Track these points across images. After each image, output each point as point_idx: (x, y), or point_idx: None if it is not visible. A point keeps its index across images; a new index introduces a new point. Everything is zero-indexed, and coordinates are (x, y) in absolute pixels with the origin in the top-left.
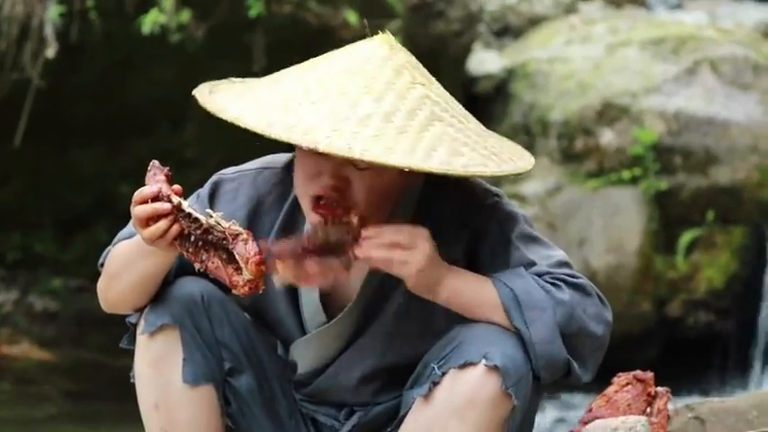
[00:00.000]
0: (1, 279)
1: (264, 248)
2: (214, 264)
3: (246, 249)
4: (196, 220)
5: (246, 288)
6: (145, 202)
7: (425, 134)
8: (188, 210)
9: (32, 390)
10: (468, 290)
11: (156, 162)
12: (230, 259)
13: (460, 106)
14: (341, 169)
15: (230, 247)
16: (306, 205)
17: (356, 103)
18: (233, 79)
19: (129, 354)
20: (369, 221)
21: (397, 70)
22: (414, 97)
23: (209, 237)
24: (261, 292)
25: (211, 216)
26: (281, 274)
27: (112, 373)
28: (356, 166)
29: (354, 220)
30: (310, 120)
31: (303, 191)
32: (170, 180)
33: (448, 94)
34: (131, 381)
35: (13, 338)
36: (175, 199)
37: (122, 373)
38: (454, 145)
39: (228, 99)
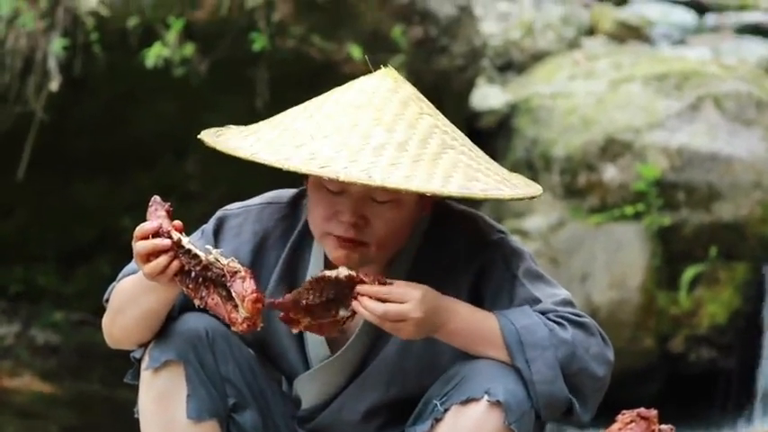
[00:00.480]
0: (3, 312)
1: (279, 305)
2: (213, 300)
3: (244, 287)
4: (195, 256)
5: (245, 325)
6: (146, 237)
7: (440, 161)
8: (188, 246)
9: (33, 423)
10: (469, 328)
11: (157, 197)
12: (229, 296)
13: (465, 136)
14: (360, 206)
15: (228, 284)
16: (328, 243)
17: (369, 135)
18: (232, 126)
19: (132, 388)
20: (381, 257)
21: (403, 102)
22: (424, 127)
23: (209, 273)
24: (259, 329)
25: (211, 252)
26: (293, 326)
27: (114, 407)
28: (375, 199)
29: (344, 276)
30: (325, 152)
31: (322, 230)
32: (171, 215)
33: (452, 124)
34: (135, 416)
35: (15, 371)
36: (175, 235)
37: (124, 407)
38: (469, 171)
39: (239, 140)
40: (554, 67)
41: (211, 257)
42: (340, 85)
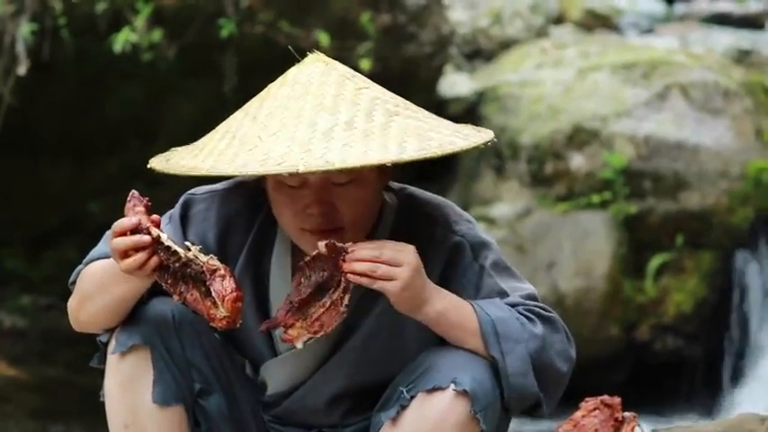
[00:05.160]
0: None
1: (274, 323)
2: (192, 296)
3: (223, 286)
4: (175, 253)
5: (224, 322)
6: (124, 233)
7: (390, 130)
8: (167, 243)
9: (0, 407)
10: (450, 311)
11: (135, 192)
12: (208, 292)
13: (407, 101)
14: (323, 194)
15: (207, 282)
16: (305, 239)
17: (314, 122)
18: (178, 148)
19: (97, 372)
20: (357, 238)
21: (339, 82)
22: (365, 101)
23: (188, 270)
24: (238, 326)
25: (190, 249)
26: (299, 338)
27: (80, 392)
28: (336, 183)
29: (325, 250)
30: (278, 150)
31: (295, 227)
32: (149, 210)
33: (393, 93)
34: (101, 400)
35: None
36: (155, 231)
37: (90, 391)
38: (420, 132)
39: (190, 159)
40: (522, 55)
41: (191, 254)
42: None
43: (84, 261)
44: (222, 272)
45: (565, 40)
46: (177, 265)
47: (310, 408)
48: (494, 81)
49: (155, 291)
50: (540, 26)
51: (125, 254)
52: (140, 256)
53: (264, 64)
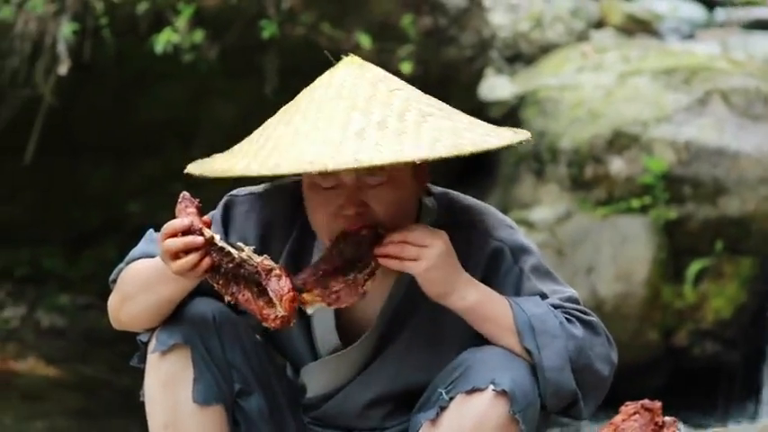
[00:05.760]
0: (9, 294)
1: (295, 281)
2: (245, 296)
3: (280, 286)
4: (228, 253)
5: (279, 322)
6: (175, 234)
7: (422, 130)
8: (221, 244)
9: (38, 406)
10: (484, 303)
11: (186, 193)
12: (260, 293)
13: (444, 103)
14: (357, 195)
15: (263, 282)
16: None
17: (347, 123)
18: (215, 155)
19: (136, 372)
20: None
21: (372, 83)
22: (398, 102)
23: (241, 270)
24: (292, 326)
25: (243, 250)
26: (311, 304)
27: (119, 391)
28: (369, 184)
29: (366, 231)
30: (311, 150)
31: (329, 229)
32: (200, 212)
33: (425, 94)
34: (141, 399)
35: (20, 354)
36: (208, 232)
37: (128, 390)
38: (453, 132)
39: (225, 161)
40: (562, 59)
41: (244, 255)
42: None
43: (126, 260)
44: (278, 271)
45: (605, 45)
46: (231, 265)
47: (350, 411)
48: (534, 85)
49: (195, 291)
50: (581, 30)
51: (177, 255)
52: (193, 258)
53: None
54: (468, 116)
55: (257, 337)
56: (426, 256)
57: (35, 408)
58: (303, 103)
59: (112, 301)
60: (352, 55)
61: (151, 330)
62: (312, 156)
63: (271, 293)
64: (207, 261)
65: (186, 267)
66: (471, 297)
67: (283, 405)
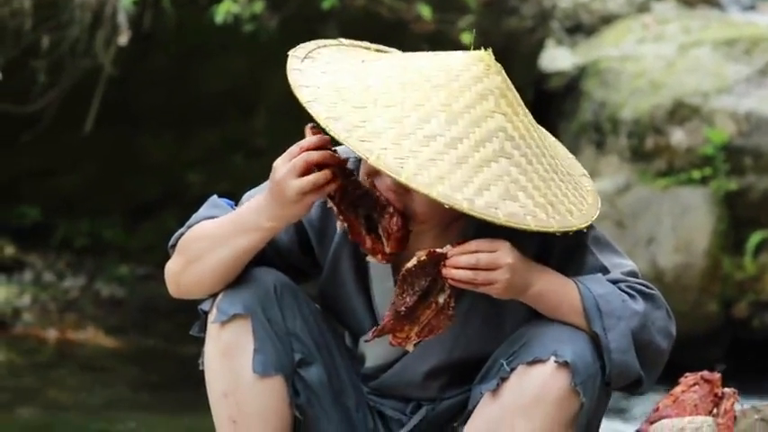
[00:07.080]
0: (68, 265)
1: (381, 331)
2: (358, 226)
3: (391, 224)
4: (356, 181)
5: (383, 258)
6: (310, 149)
7: (485, 169)
8: (352, 167)
9: (97, 376)
10: (552, 291)
11: (311, 124)
12: (370, 227)
13: (541, 141)
14: (395, 186)
15: (377, 217)
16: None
17: (427, 119)
18: (323, 51)
19: (195, 342)
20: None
21: (482, 94)
22: (488, 127)
23: (361, 200)
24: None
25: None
26: (408, 341)
27: (177, 362)
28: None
29: (425, 257)
30: (375, 123)
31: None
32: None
33: (531, 127)
34: (200, 368)
35: (80, 324)
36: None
37: (187, 360)
38: (511, 187)
39: (312, 75)
40: (623, 30)
41: (367, 186)
42: (408, 44)
43: (187, 224)
44: (392, 210)
45: (666, 16)
46: (358, 192)
47: (408, 381)
48: (595, 56)
49: (256, 261)
50: (642, 1)
51: (308, 170)
52: (326, 173)
53: (366, 36)
54: (551, 167)
55: (317, 306)
56: (500, 279)
57: (94, 378)
58: (410, 69)
59: (173, 265)
60: (490, 51)
61: (213, 296)
62: (370, 133)
63: (380, 229)
64: (337, 181)
65: (318, 182)
66: (539, 287)
67: (343, 375)
